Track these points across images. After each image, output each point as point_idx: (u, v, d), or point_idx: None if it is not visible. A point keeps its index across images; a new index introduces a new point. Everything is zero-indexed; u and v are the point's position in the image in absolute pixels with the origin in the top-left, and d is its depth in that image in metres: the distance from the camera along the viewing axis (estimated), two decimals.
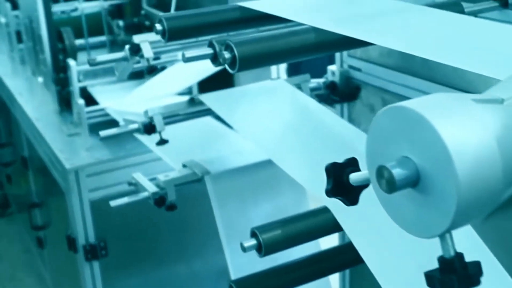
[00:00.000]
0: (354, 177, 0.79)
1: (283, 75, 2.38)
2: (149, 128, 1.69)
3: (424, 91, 1.53)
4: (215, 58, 1.24)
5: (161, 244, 2.54)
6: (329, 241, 1.63)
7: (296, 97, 1.65)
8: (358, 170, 0.80)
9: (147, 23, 2.92)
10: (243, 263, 1.67)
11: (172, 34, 1.33)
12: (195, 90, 2.43)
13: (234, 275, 1.67)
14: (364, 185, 0.80)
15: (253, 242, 1.26)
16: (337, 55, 1.79)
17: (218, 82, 2.28)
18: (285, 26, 1.25)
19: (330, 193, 0.81)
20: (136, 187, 1.76)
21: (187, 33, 1.37)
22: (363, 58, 1.71)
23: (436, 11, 1.21)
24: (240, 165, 1.77)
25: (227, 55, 1.12)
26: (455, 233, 0.69)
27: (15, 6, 3.31)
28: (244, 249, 1.25)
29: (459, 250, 0.69)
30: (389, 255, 1.22)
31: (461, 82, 1.41)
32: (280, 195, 1.83)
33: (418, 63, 1.54)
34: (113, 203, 1.72)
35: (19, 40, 3.30)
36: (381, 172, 0.67)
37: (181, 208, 1.73)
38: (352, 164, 0.81)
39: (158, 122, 1.68)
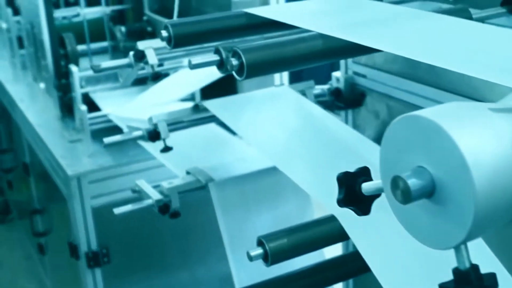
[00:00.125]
0: (366, 186, 0.78)
1: (286, 81, 2.37)
2: (153, 135, 1.68)
3: (430, 97, 1.52)
4: (221, 65, 1.24)
5: (163, 251, 2.52)
6: (333, 250, 1.62)
7: (301, 104, 1.64)
8: (370, 179, 0.79)
9: (149, 28, 2.91)
10: (248, 271, 1.66)
11: (178, 40, 1.32)
12: (197, 96, 2.42)
13: (238, 283, 1.65)
14: (376, 195, 0.79)
15: (259, 251, 1.25)
16: (342, 61, 1.78)
17: (221, 88, 2.27)
18: (291, 32, 1.24)
19: (342, 203, 0.80)
20: (139, 194, 1.74)
21: (193, 40, 1.35)
22: (368, 65, 1.70)
23: (444, 17, 1.20)
24: (244, 172, 1.76)
25: (234, 62, 1.11)
26: None
27: (16, 12, 3.31)
28: (251, 258, 1.24)
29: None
30: (396, 264, 1.21)
31: (468, 89, 1.40)
32: (285, 203, 1.82)
33: (423, 70, 1.53)
34: (117, 210, 1.70)
35: (20, 45, 3.29)
36: (396, 182, 0.66)
37: (184, 215, 1.71)
38: (364, 174, 0.80)
39: (162, 129, 1.67)
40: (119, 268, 2.42)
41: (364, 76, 1.71)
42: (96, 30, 3.06)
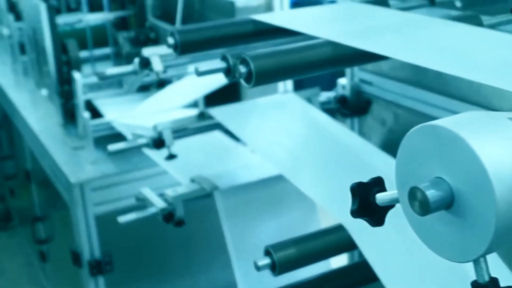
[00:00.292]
0: (381, 197, 0.76)
1: (290, 88, 2.36)
2: (158, 142, 1.66)
3: (437, 105, 1.50)
4: (228, 72, 1.22)
5: (167, 259, 2.50)
6: (338, 260, 1.60)
7: (307, 111, 1.63)
8: (384, 190, 0.78)
9: (152, 35, 2.90)
10: (253, 280, 1.64)
11: (185, 47, 1.31)
12: (201, 103, 2.41)
13: None
14: (390, 206, 0.77)
15: (267, 261, 1.23)
16: (348, 68, 1.77)
17: (224, 95, 2.26)
18: (297, 39, 1.23)
19: (355, 213, 0.78)
20: (143, 202, 1.73)
21: (199, 46, 1.34)
22: (374, 72, 1.68)
23: (454, 24, 1.19)
24: (249, 181, 1.75)
25: (242, 69, 1.09)
26: None
27: (18, 17, 3.29)
28: (258, 268, 1.23)
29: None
30: (406, 274, 1.20)
31: (477, 97, 1.38)
32: (290, 211, 1.80)
33: (431, 77, 1.51)
34: (121, 219, 1.69)
35: (22, 51, 3.27)
36: (414, 194, 0.65)
37: (187, 222, 1.70)
38: (378, 184, 0.78)
39: (167, 136, 1.65)
40: (122, 276, 2.40)
41: (370, 83, 1.70)
42: (99, 36, 3.05)
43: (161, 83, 2.40)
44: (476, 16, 1.26)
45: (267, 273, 1.26)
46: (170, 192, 1.68)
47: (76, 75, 2.41)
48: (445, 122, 0.65)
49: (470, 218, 0.64)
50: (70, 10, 3.26)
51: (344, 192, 1.36)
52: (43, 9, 2.59)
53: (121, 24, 3.11)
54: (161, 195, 1.71)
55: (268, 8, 2.48)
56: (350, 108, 1.73)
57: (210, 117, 1.71)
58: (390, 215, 0.79)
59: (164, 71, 1.65)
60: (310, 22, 1.29)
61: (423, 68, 1.21)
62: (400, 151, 0.70)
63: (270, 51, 1.12)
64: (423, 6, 1.40)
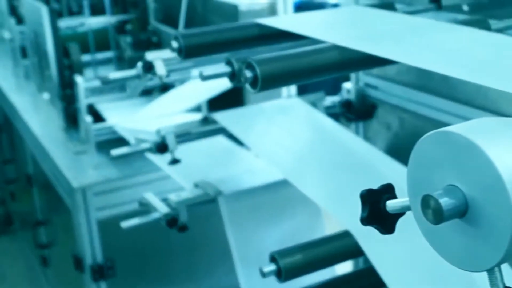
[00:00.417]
0: (391, 204, 0.75)
1: (294, 92, 2.34)
2: (161, 147, 1.65)
3: (443, 110, 1.49)
4: (233, 77, 1.21)
5: (170, 264, 2.49)
6: (343, 266, 1.59)
7: (312, 116, 1.62)
8: (395, 197, 0.76)
9: (154, 38, 2.88)
10: (257, 285, 1.63)
11: (189, 51, 1.30)
12: (204, 108, 2.39)
13: None
14: (401, 213, 0.76)
15: (272, 267, 1.22)
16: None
17: (227, 99, 2.24)
18: (303, 43, 1.22)
19: (365, 221, 0.77)
20: (146, 208, 1.72)
21: (204, 50, 1.33)
22: (379, 76, 1.67)
23: (462, 28, 1.18)
24: (253, 185, 1.73)
25: (248, 74, 1.08)
26: None
27: (19, 21, 3.28)
28: (264, 274, 1.21)
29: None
30: (413, 281, 1.18)
31: (484, 101, 1.37)
32: (295, 216, 1.79)
33: (437, 81, 1.50)
34: (124, 224, 1.68)
35: (23, 55, 3.26)
36: (427, 202, 0.63)
37: (190, 227, 1.69)
38: (388, 191, 0.77)
39: (170, 141, 1.64)
40: (124, 281, 2.39)
41: (375, 87, 1.69)
42: (101, 40, 3.04)
43: (164, 87, 2.39)
44: (484, 20, 1.25)
45: (271, 279, 1.25)
46: (173, 197, 1.67)
47: (78, 79, 2.40)
48: (459, 128, 0.64)
49: (485, 226, 0.62)
50: (72, 13, 3.25)
51: (350, 197, 1.35)
52: (45, 12, 2.58)
53: (123, 27, 3.09)
54: (165, 200, 1.69)
55: (272, 11, 2.46)
56: (355, 113, 1.72)
57: (213, 122, 1.70)
58: (398, 222, 0.78)
59: (167, 75, 1.64)
60: (316, 26, 1.27)
61: (429, 72, 1.20)
62: (412, 157, 0.69)
63: (276, 55, 1.10)
64: (430, 10, 1.39)
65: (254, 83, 1.08)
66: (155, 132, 1.67)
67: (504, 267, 0.64)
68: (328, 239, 1.30)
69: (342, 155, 1.50)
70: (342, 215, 1.30)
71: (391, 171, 1.44)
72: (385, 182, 1.39)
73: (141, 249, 2.41)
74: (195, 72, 1.83)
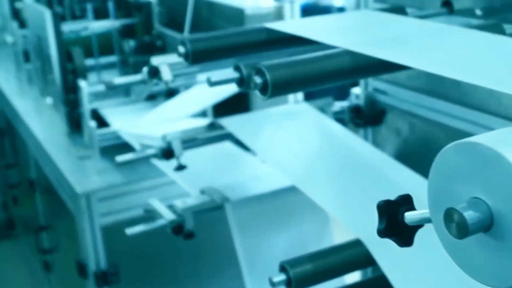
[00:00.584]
0: (410, 216, 0.72)
1: (301, 98, 2.32)
2: (167, 153, 1.63)
3: (455, 115, 1.47)
4: (241, 82, 1.19)
5: (175, 270, 2.47)
6: (351, 275, 1.56)
7: (320, 122, 1.59)
8: (413, 208, 0.74)
9: (159, 42, 2.86)
10: None
11: (196, 56, 1.27)
12: (209, 113, 2.37)
13: None
14: (419, 225, 0.73)
15: (282, 277, 1.19)
16: None
17: (233, 104, 2.22)
18: (313, 48, 1.19)
19: (382, 233, 0.74)
20: (152, 214, 1.69)
21: (211, 56, 1.31)
22: (389, 81, 1.65)
23: (476, 32, 1.15)
24: (261, 192, 1.71)
25: (258, 80, 1.05)
26: None
27: (22, 25, 3.26)
28: (274, 284, 1.19)
29: None
30: None
31: (498, 107, 1.34)
32: (302, 223, 1.77)
33: (449, 86, 1.47)
34: (129, 231, 1.65)
35: (26, 59, 3.24)
36: (450, 215, 0.61)
37: (196, 234, 1.66)
38: (406, 202, 0.74)
39: (176, 147, 1.62)
40: (128, 287, 2.37)
41: (384, 92, 1.66)
42: (104, 44, 3.02)
43: (170, 93, 2.36)
44: (498, 24, 1.22)
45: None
46: (179, 204, 1.65)
47: (82, 83, 2.38)
48: (483, 138, 0.62)
49: (511, 241, 0.60)
50: (75, 17, 3.23)
51: (361, 205, 1.33)
52: (48, 16, 2.56)
53: (127, 31, 3.07)
54: (170, 207, 1.67)
55: (278, 16, 2.44)
56: (364, 118, 1.69)
57: (220, 127, 1.68)
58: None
59: (173, 80, 1.62)
60: (327, 31, 1.25)
61: (440, 77, 1.18)
62: (433, 168, 0.66)
63: (287, 61, 1.08)
64: (442, 15, 1.37)
65: (264, 89, 1.05)
66: (160, 138, 1.65)
67: None
68: (338, 248, 1.27)
69: (352, 161, 1.47)
70: (353, 223, 1.28)
71: (402, 178, 1.42)
72: (396, 189, 1.36)
73: (146, 255, 2.39)
74: (200, 77, 1.80)
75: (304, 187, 1.37)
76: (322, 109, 1.70)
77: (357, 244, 1.24)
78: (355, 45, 1.10)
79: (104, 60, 3.03)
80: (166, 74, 1.56)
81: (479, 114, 1.39)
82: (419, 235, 0.77)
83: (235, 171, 1.87)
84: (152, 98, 2.55)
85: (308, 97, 2.06)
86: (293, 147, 1.52)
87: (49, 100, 2.85)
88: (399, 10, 1.38)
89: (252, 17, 2.41)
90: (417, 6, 1.46)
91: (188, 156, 1.66)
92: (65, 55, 2.63)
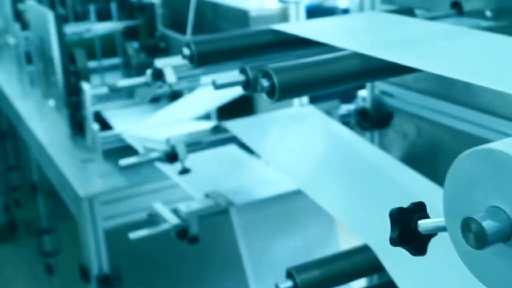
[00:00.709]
0: (424, 225, 0.70)
1: (305, 100, 2.30)
2: (171, 156, 1.60)
3: (463, 118, 1.44)
4: (247, 85, 1.17)
5: (178, 275, 2.45)
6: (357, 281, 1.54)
7: (327, 125, 1.57)
8: (427, 216, 0.71)
9: (162, 44, 2.84)
10: None
11: (201, 58, 1.26)
12: (213, 116, 2.35)
13: None
14: (433, 234, 0.71)
15: (289, 283, 1.17)
16: None
17: (237, 107, 2.20)
18: (318, 51, 1.17)
19: (395, 242, 0.72)
20: (155, 218, 1.67)
21: (217, 58, 1.29)
22: (396, 83, 1.62)
23: (487, 34, 1.13)
24: (266, 196, 1.69)
25: (265, 83, 1.03)
26: None
27: (24, 26, 3.25)
28: None
29: None
30: None
31: (508, 110, 1.32)
32: (308, 227, 1.75)
33: (458, 88, 1.45)
34: (133, 235, 1.64)
35: (28, 61, 3.22)
36: (468, 225, 0.59)
37: (200, 238, 1.65)
38: (420, 210, 0.72)
39: (180, 150, 1.60)
40: None
41: (391, 95, 1.64)
42: (107, 46, 3.00)
43: (174, 95, 2.34)
44: (509, 26, 1.20)
45: None
46: (183, 208, 1.63)
47: (85, 85, 2.36)
48: (502, 145, 0.59)
49: None
50: (78, 19, 3.21)
51: (369, 210, 1.31)
52: (50, 18, 2.54)
53: (130, 33, 3.05)
54: (174, 211, 1.65)
55: (284, 17, 2.42)
56: (371, 121, 1.67)
57: (225, 130, 1.66)
58: None
59: (177, 83, 1.60)
60: (335, 33, 1.23)
61: (448, 80, 1.15)
62: (449, 176, 0.64)
63: (294, 63, 1.05)
64: (451, 16, 1.34)
65: (271, 92, 1.03)
66: (164, 141, 1.63)
67: None
68: (345, 254, 1.25)
69: (359, 165, 1.45)
70: (360, 228, 1.26)
71: (410, 182, 1.40)
72: (403, 194, 1.34)
73: (149, 259, 2.37)
74: (204, 79, 1.78)
75: (310, 191, 1.35)
76: (329, 112, 1.68)
77: (364, 249, 1.22)
78: (364, 47, 1.07)
79: (107, 62, 3.01)
80: (170, 76, 1.54)
81: (488, 117, 1.37)
82: (431, 242, 0.75)
83: (240, 174, 1.85)
84: (156, 100, 2.53)
85: (313, 100, 2.04)
86: (299, 151, 1.50)
87: (51, 103, 2.84)
88: (408, 11, 1.35)
89: (256, 19, 2.38)
90: (426, 7, 1.43)
91: (192, 160, 1.64)
92: (68, 57, 2.61)
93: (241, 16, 2.43)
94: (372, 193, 1.36)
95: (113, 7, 3.04)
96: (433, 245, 0.75)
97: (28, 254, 3.81)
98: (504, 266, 0.60)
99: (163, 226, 1.63)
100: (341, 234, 1.82)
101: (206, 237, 1.72)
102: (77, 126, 2.53)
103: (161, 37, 2.88)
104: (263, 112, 2.22)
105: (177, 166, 1.64)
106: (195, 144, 1.68)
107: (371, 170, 1.43)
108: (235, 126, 1.58)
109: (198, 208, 1.62)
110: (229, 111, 2.20)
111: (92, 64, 2.86)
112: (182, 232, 1.61)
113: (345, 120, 1.73)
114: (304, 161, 1.47)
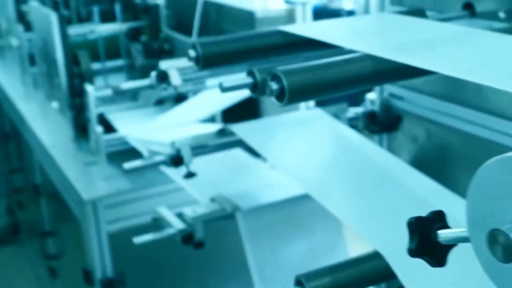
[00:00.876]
0: (444, 235, 0.67)
1: (312, 103, 2.27)
2: (176, 160, 1.58)
3: (474, 122, 1.41)
4: (255, 88, 1.14)
5: (183, 279, 2.42)
6: None
7: (335, 128, 1.54)
8: (447, 226, 0.69)
9: (166, 46, 2.81)
10: None
11: (207, 60, 1.22)
12: (218, 119, 2.32)
13: None
14: (453, 244, 0.68)
15: None
16: None
17: (242, 110, 2.17)
18: (327, 53, 1.14)
19: (414, 252, 0.69)
20: (160, 222, 1.65)
21: (223, 60, 1.26)
22: (405, 86, 1.59)
23: (501, 35, 1.10)
24: (272, 200, 1.66)
25: (274, 86, 0.99)
26: None
27: (28, 28, 3.22)
28: None
29: None
30: None
31: None
32: (315, 232, 1.72)
33: (469, 91, 1.42)
34: (137, 240, 1.61)
35: (31, 62, 3.20)
36: (495, 237, 0.56)
37: (205, 242, 1.62)
38: (439, 219, 0.69)
39: (186, 154, 1.57)
40: None
41: (401, 98, 1.61)
42: (111, 48, 2.98)
43: (179, 98, 2.32)
44: None
45: None
46: (189, 212, 1.60)
47: (89, 87, 2.33)
48: None
49: None
50: (81, 20, 3.18)
51: (378, 214, 1.28)
52: (54, 19, 2.51)
53: (134, 35, 3.02)
54: (179, 215, 1.62)
55: (290, 18, 2.39)
56: (379, 124, 1.64)
57: (230, 134, 1.63)
58: None
59: (182, 85, 1.57)
60: (345, 34, 1.20)
61: (458, 82, 1.12)
62: (473, 185, 0.61)
63: (304, 66, 1.02)
64: (463, 18, 1.31)
65: (280, 96, 1.00)
66: (169, 144, 1.60)
67: None
68: (355, 261, 1.22)
69: (368, 169, 1.42)
70: (370, 234, 1.23)
71: (420, 186, 1.37)
72: (414, 198, 1.31)
73: (153, 263, 2.35)
74: (210, 82, 1.75)
75: (318, 195, 1.32)
76: (336, 115, 1.65)
77: (374, 256, 1.19)
78: (376, 49, 1.04)
79: (111, 64, 3.00)
80: (175, 78, 1.51)
81: (500, 120, 1.34)
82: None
83: (246, 178, 1.82)
84: (161, 103, 2.51)
85: (319, 103, 2.02)
86: (307, 154, 1.47)
87: (55, 105, 2.81)
88: (419, 12, 1.32)
89: (262, 20, 2.35)
90: (437, 8, 1.40)
91: (197, 163, 1.61)
92: (71, 59, 2.59)
93: (247, 18, 2.41)
94: (381, 197, 1.33)
95: (117, 8, 3.02)
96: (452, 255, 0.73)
97: (31, 257, 3.79)
98: None
99: (168, 231, 1.61)
100: (348, 239, 1.79)
101: (211, 241, 1.70)
102: (81, 129, 2.51)
103: (166, 38, 2.86)
104: (268, 114, 2.20)
105: (182, 169, 1.61)
106: (200, 148, 1.65)
107: (380, 174, 1.40)
108: (241, 129, 1.55)
109: (203, 213, 1.59)
110: (234, 113, 2.18)
111: (96, 65, 2.84)
112: (187, 237, 1.58)
113: (353, 124, 1.70)
114: (312, 164, 1.44)
